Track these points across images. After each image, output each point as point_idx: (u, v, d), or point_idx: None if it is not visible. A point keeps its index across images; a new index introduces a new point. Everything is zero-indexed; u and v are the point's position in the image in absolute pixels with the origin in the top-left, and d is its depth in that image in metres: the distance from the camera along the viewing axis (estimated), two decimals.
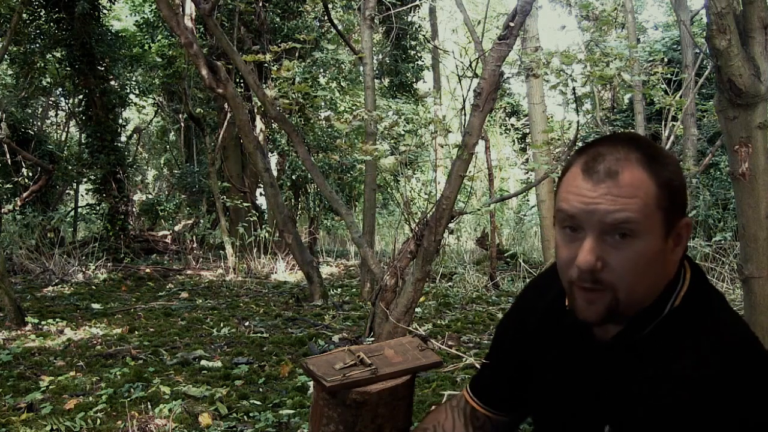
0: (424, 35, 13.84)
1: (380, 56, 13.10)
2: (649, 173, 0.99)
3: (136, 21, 12.66)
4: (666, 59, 9.51)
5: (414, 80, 13.39)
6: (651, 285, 1.02)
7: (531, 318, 1.23)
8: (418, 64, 13.41)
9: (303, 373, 3.48)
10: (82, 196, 12.97)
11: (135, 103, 13.10)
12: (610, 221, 0.97)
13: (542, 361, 1.18)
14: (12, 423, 2.76)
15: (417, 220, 3.92)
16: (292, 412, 2.91)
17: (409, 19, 13.03)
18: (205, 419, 2.78)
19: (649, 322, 1.02)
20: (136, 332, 4.68)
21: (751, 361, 0.96)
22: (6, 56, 9.38)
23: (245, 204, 9.78)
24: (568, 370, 1.12)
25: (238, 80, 9.70)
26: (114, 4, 10.76)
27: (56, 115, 14.62)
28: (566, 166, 1.06)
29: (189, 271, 8.39)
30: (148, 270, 7.93)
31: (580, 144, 7.17)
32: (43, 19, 9.74)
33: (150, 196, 13.87)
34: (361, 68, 6.66)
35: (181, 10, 5.99)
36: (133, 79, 12.43)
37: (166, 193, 14.62)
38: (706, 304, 1.03)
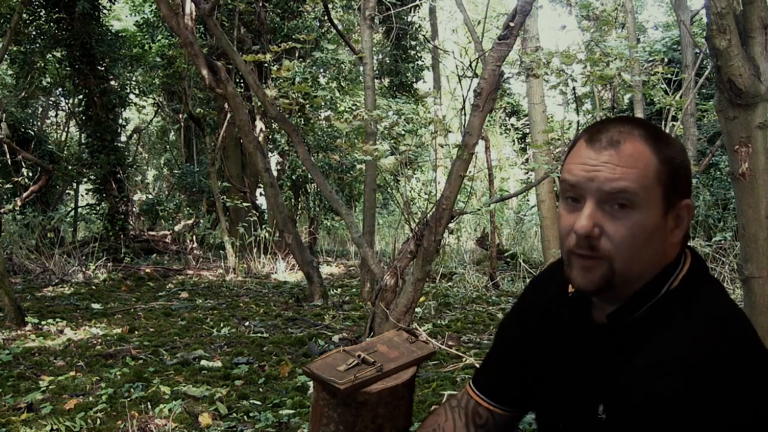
0: (424, 35, 13.84)
1: (380, 56, 13.09)
2: (651, 148, 1.01)
3: (136, 21, 12.65)
4: (666, 59, 9.51)
5: (414, 80, 13.38)
6: (648, 261, 1.02)
7: (533, 312, 1.24)
8: (418, 64, 13.41)
9: (303, 373, 3.48)
10: (82, 196, 12.96)
11: (135, 103, 13.09)
12: (608, 189, 0.99)
13: (544, 352, 1.19)
14: (12, 423, 2.76)
15: (417, 220, 3.92)
16: (292, 412, 2.91)
17: (409, 19, 13.03)
18: (205, 419, 2.78)
19: (644, 302, 1.03)
20: (136, 332, 4.68)
21: (745, 348, 0.96)
22: (6, 56, 9.38)
23: (245, 204, 9.77)
24: (566, 356, 1.13)
25: (238, 80, 9.70)
26: (114, 4, 10.75)
27: (56, 115, 14.62)
28: (572, 143, 1.09)
29: (189, 271, 8.38)
30: (148, 270, 7.93)
31: None
32: (43, 19, 9.73)
33: (150, 196, 13.86)
34: (361, 68, 6.66)
35: (181, 10, 5.98)
36: (133, 79, 12.43)
37: (166, 193, 14.59)
38: (704, 289, 1.03)
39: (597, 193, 1.00)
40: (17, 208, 9.29)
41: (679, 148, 1.05)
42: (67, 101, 13.14)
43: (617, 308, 1.05)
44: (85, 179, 11.26)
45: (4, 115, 9.92)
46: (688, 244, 1.10)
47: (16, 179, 10.19)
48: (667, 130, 6.24)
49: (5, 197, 10.35)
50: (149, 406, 2.92)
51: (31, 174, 10.42)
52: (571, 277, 1.06)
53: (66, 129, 13.98)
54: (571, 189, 1.03)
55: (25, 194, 9.35)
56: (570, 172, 1.03)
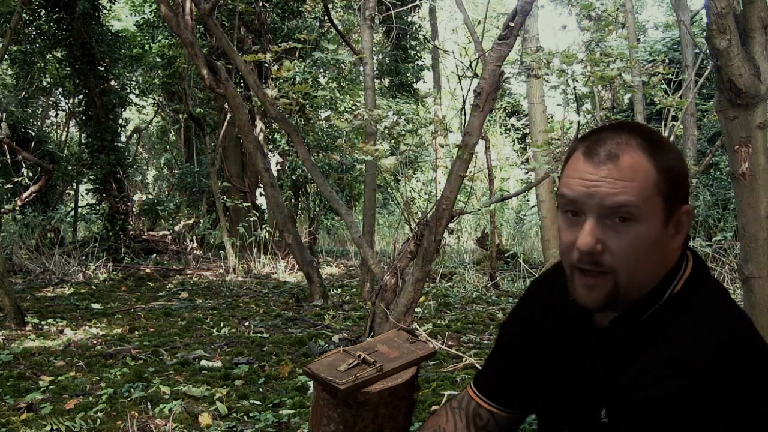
0: (424, 35, 13.84)
1: (380, 56, 13.10)
2: (649, 158, 1.00)
3: (136, 21, 12.65)
4: (666, 59, 9.51)
5: (414, 80, 13.39)
6: (650, 271, 1.02)
7: (536, 313, 1.24)
8: (418, 64, 13.42)
9: (303, 373, 3.47)
10: (82, 196, 12.96)
11: (135, 103, 13.09)
12: (609, 204, 0.98)
13: (546, 354, 1.19)
14: (12, 423, 2.76)
15: (417, 220, 3.92)
16: (292, 412, 2.91)
17: (409, 19, 13.03)
18: (205, 419, 2.78)
19: (648, 307, 1.03)
20: (136, 332, 4.68)
21: (747, 348, 0.95)
22: (6, 56, 9.37)
23: (245, 204, 9.77)
24: (569, 358, 1.13)
25: (238, 80, 9.69)
26: (114, 4, 10.75)
27: (56, 115, 14.62)
28: (569, 153, 1.08)
29: (189, 271, 8.38)
30: (148, 270, 7.93)
31: None
32: (43, 19, 9.73)
33: (150, 196, 13.86)
34: (361, 68, 6.66)
35: (181, 10, 5.98)
36: (133, 79, 12.43)
37: (166, 193, 14.60)
38: (705, 291, 1.03)
39: (598, 209, 0.99)
40: (17, 208, 9.29)
41: (675, 153, 1.05)
42: (67, 101, 13.14)
43: (620, 314, 1.05)
44: (85, 179, 11.26)
45: (4, 115, 9.92)
46: (689, 245, 1.10)
47: (16, 179, 10.18)
48: (667, 131, 6.24)
49: (5, 197, 10.35)
50: (149, 406, 2.92)
51: (31, 174, 10.42)
52: (575, 294, 1.05)
53: (66, 129, 13.97)
54: (571, 204, 1.02)
55: (25, 194, 9.34)
56: (569, 187, 1.02)
